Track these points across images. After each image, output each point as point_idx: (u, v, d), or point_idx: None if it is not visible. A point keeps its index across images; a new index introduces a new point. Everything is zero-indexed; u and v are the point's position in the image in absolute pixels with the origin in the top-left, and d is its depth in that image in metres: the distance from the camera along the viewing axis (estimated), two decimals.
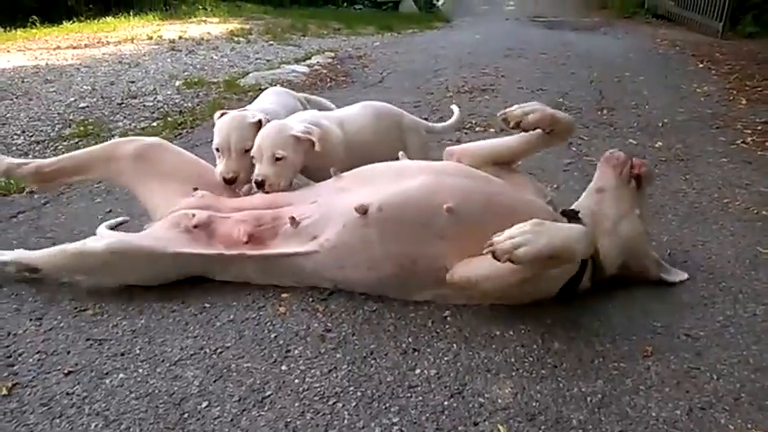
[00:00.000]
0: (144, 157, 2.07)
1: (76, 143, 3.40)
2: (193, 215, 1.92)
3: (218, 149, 2.09)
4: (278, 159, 1.97)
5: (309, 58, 6.10)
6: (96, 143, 3.31)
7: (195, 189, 2.02)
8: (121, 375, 1.54)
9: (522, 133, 1.93)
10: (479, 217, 1.74)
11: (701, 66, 5.79)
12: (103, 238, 1.96)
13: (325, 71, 5.50)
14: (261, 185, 1.98)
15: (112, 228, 2.23)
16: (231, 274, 1.91)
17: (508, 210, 1.75)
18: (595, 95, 4.63)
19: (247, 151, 2.03)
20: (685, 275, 1.99)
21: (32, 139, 3.51)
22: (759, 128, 3.76)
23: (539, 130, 1.88)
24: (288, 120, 2.13)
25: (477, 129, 3.73)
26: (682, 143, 3.48)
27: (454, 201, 1.73)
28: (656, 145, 3.46)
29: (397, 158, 2.11)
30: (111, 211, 2.48)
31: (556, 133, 1.90)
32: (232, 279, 1.91)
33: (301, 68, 5.55)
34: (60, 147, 3.36)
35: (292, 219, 1.85)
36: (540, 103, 1.90)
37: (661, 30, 8.47)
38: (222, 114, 2.16)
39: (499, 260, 1.56)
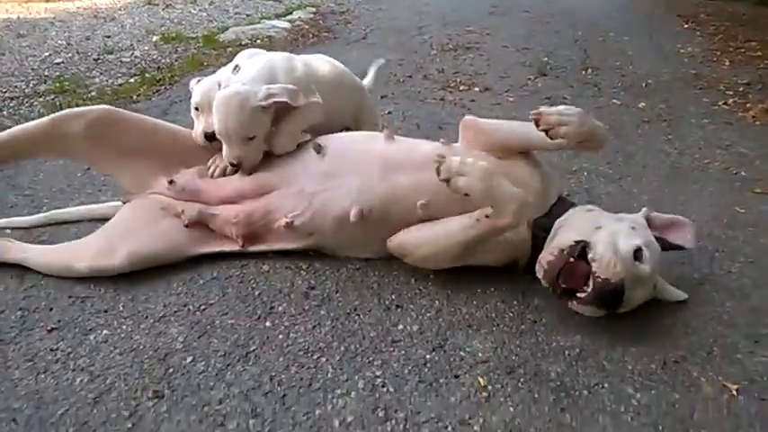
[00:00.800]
0: (97, 134, 1.85)
1: (53, 99, 3.32)
2: (182, 211, 1.84)
3: (197, 109, 1.96)
4: (250, 139, 1.80)
5: (290, 14, 5.97)
6: (72, 100, 3.26)
7: (171, 182, 1.89)
8: (105, 332, 1.54)
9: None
10: (446, 210, 1.71)
11: (685, 26, 5.77)
12: (113, 252, 1.75)
13: (306, 27, 5.39)
14: (237, 166, 1.85)
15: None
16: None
17: None
18: (580, 55, 4.61)
19: (251, 138, 1.81)
20: None
21: (6, 95, 3.42)
22: (741, 89, 3.79)
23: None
24: (245, 84, 1.81)
25: (461, 87, 3.71)
26: (665, 103, 3.50)
27: (428, 197, 1.71)
28: (640, 105, 3.47)
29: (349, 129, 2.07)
30: (89, 168, 2.44)
31: (585, 147, 1.77)
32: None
33: (282, 24, 5.43)
34: (36, 103, 3.28)
35: (288, 224, 1.80)
36: (580, 111, 1.69)
37: None
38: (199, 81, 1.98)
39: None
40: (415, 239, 1.74)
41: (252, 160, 1.84)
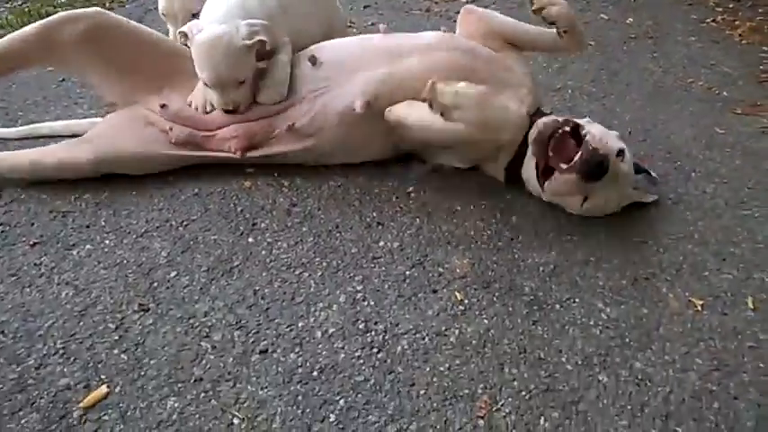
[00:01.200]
0: (89, 39, 1.77)
1: (21, 5, 3.17)
2: (170, 128, 1.79)
3: (164, 15, 1.93)
4: (241, 83, 1.74)
5: None
6: (41, 6, 3.11)
7: (163, 106, 1.81)
8: (88, 246, 1.56)
9: (543, 29, 1.86)
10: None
11: None
12: (86, 144, 1.75)
13: None
14: (234, 112, 1.78)
15: None
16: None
17: (490, 76, 1.78)
18: None
19: (242, 82, 1.75)
20: None
21: None
22: (731, 6, 3.72)
23: (552, 30, 1.82)
24: (225, 22, 1.73)
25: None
26: (653, 20, 3.43)
27: (438, 76, 1.68)
28: (628, 21, 3.40)
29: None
30: (64, 80, 2.37)
31: (565, 39, 1.82)
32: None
33: None
34: (2, 9, 3.13)
35: (290, 126, 1.78)
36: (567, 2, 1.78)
37: None
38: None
39: (432, 108, 1.61)
40: (417, 120, 1.72)
41: (246, 103, 1.78)
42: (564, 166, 1.58)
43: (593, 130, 1.61)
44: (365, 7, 3.32)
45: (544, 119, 1.70)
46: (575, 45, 1.86)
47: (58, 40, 1.76)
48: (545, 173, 1.65)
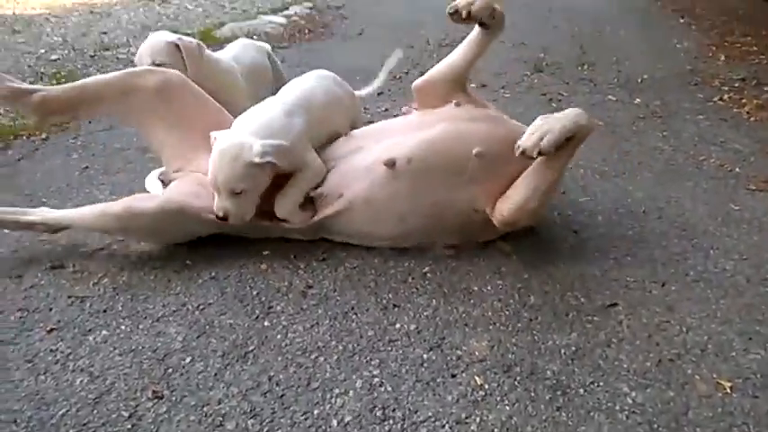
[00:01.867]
0: (166, 93, 1.94)
1: None
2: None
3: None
4: (237, 194, 1.74)
5: (287, 9, 5.95)
6: None
7: None
8: (104, 332, 1.55)
9: (465, 40, 2.06)
10: (505, 156, 1.77)
11: (681, 21, 5.78)
12: (154, 198, 1.86)
13: (303, 22, 5.38)
14: (224, 219, 1.77)
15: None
16: (266, 234, 1.91)
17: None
18: (576, 50, 4.61)
19: (239, 193, 1.75)
20: None
21: None
22: (736, 85, 3.80)
23: (477, 31, 2.00)
24: (245, 134, 1.76)
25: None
26: (660, 99, 3.51)
27: (482, 145, 1.81)
28: (635, 101, 3.48)
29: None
30: (87, 167, 2.45)
31: (493, 26, 1.97)
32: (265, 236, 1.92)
33: (279, 19, 5.42)
34: None
35: (319, 194, 1.87)
36: (543, 117, 1.77)
37: None
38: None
39: (531, 156, 1.67)
40: (525, 200, 1.77)
41: (239, 215, 1.77)
42: None
43: None
44: (379, 94, 3.43)
45: None
46: (501, 23, 1.98)
47: (136, 86, 1.94)
48: None
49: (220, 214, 1.77)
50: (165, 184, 1.97)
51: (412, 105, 2.15)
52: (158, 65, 2.10)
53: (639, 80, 3.88)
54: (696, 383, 1.45)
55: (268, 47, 2.86)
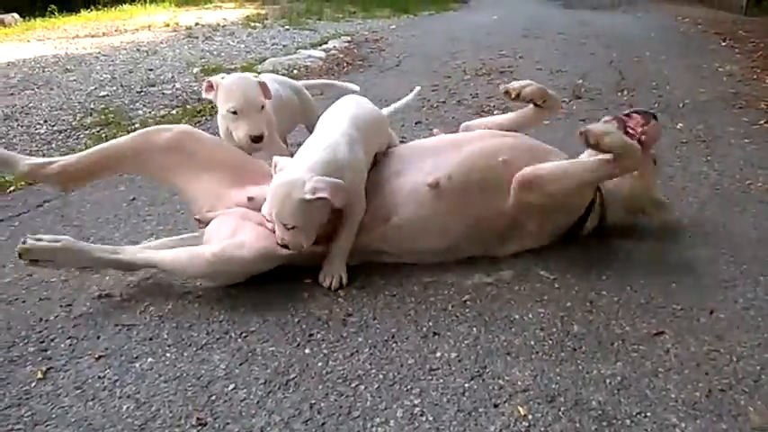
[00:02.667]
0: (179, 146, 2.00)
1: (98, 131, 3.45)
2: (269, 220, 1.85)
3: (234, 112, 2.13)
4: (290, 228, 1.78)
5: (326, 43, 6.10)
6: (117, 131, 3.38)
7: (250, 199, 1.94)
8: (150, 359, 1.59)
9: (520, 110, 2.28)
10: (527, 161, 1.95)
11: (723, 44, 5.70)
12: (245, 244, 1.81)
13: (341, 56, 5.50)
14: (285, 247, 1.81)
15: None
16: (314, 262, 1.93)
17: (545, 151, 2.08)
18: (615, 76, 4.58)
19: (262, 108, 2.13)
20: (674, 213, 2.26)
21: (54, 128, 3.57)
22: None
23: (531, 106, 2.22)
24: (302, 169, 1.78)
25: (495, 112, 3.72)
26: (703, 124, 3.44)
27: (507, 154, 1.98)
28: (678, 126, 3.42)
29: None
30: (134, 198, 2.53)
31: (546, 107, 2.22)
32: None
33: (318, 53, 5.55)
34: (82, 135, 3.41)
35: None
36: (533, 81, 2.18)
37: (683, 7, 8.33)
38: (210, 84, 2.19)
39: (589, 141, 1.85)
40: (550, 174, 1.92)
41: (298, 245, 1.80)
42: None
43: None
44: (416, 123, 3.47)
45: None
46: (554, 107, 2.27)
47: (151, 144, 2.00)
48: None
49: (279, 243, 1.81)
50: (201, 223, 1.99)
51: (442, 129, 2.40)
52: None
53: (681, 105, 3.83)
54: (750, 415, 1.39)
55: (295, 82, 2.85)
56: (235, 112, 2.13)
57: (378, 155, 2.08)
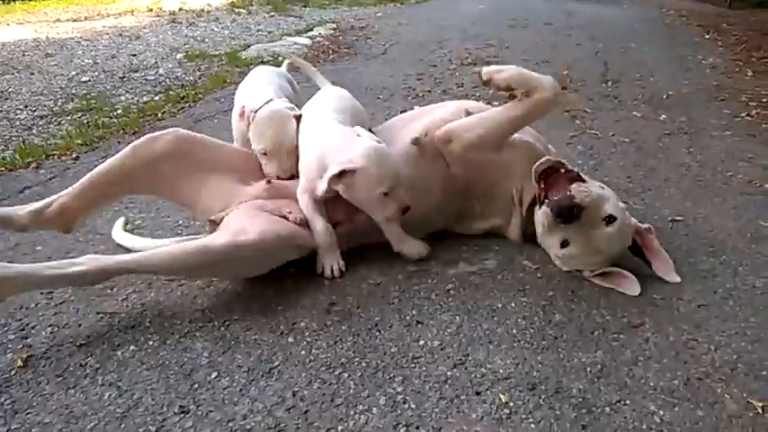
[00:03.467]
0: (177, 155, 1.89)
1: (80, 117, 3.41)
2: (290, 212, 1.87)
3: (264, 153, 2.00)
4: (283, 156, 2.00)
5: (311, 30, 6.06)
6: (99, 118, 3.34)
7: (269, 182, 1.96)
8: (132, 347, 1.58)
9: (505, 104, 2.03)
10: None
11: (707, 36, 5.74)
12: (251, 230, 1.75)
13: (327, 43, 5.46)
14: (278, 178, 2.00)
15: None
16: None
17: None
18: (600, 67, 4.61)
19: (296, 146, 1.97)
20: None
21: (35, 114, 3.52)
22: (764, 100, 3.75)
23: (516, 100, 1.96)
24: (327, 150, 1.82)
25: (481, 102, 3.71)
26: (686, 116, 3.48)
27: (472, 108, 2.08)
28: (661, 118, 3.45)
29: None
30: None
31: (532, 100, 1.92)
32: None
33: (303, 40, 5.51)
34: (63, 121, 3.36)
35: None
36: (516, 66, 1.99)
37: None
38: (243, 113, 2.05)
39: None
40: (464, 124, 1.98)
41: (289, 171, 2.02)
42: (545, 199, 1.78)
43: (590, 185, 1.81)
44: (401, 112, 3.46)
45: (551, 158, 1.89)
46: (543, 103, 1.93)
47: (148, 158, 1.86)
48: (539, 200, 1.84)
49: (279, 174, 2.01)
50: (216, 224, 1.88)
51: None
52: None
53: (665, 96, 3.86)
54: (726, 402, 1.42)
55: (283, 69, 2.77)
56: (265, 153, 2.02)
57: None
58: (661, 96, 3.86)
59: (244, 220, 1.80)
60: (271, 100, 2.08)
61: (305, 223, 1.87)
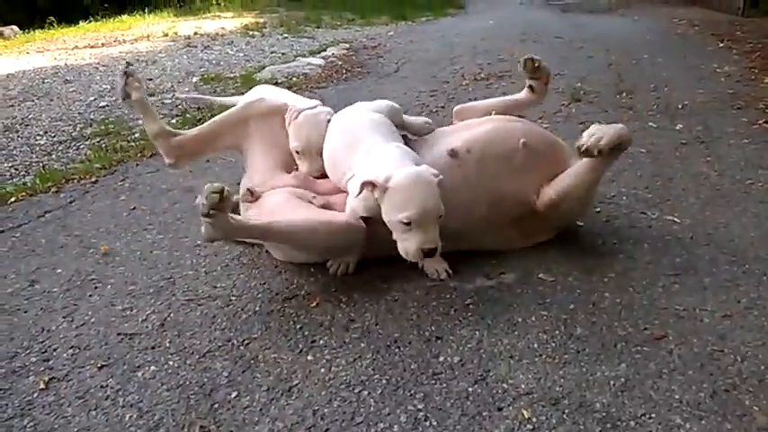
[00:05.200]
0: (270, 119, 2.19)
1: (98, 142, 3.46)
2: (313, 197, 2.03)
3: (298, 152, 2.14)
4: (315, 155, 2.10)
5: (324, 50, 6.11)
6: (117, 142, 3.39)
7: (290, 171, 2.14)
8: (153, 368, 1.58)
9: (510, 96, 2.49)
10: (545, 148, 2.11)
11: (721, 45, 5.69)
12: (337, 214, 1.94)
13: (340, 63, 5.51)
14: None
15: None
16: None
17: (552, 138, 2.22)
18: (614, 78, 4.58)
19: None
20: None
21: (55, 139, 3.58)
22: None
23: (523, 92, 2.45)
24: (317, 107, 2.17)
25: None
26: (702, 125, 3.44)
27: (526, 137, 2.08)
28: (677, 127, 3.42)
29: None
30: (135, 208, 2.53)
31: (536, 91, 2.41)
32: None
33: (317, 61, 5.56)
34: (82, 146, 3.42)
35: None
36: (596, 125, 1.97)
37: (679, 9, 8.33)
38: (296, 114, 2.15)
39: (591, 153, 1.89)
40: (561, 192, 2.01)
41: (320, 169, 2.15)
42: None
43: None
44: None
45: None
46: (542, 94, 2.38)
47: (251, 115, 2.21)
48: None
49: (311, 173, 2.14)
50: (252, 196, 2.06)
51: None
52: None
53: (680, 106, 3.83)
54: (755, 415, 1.38)
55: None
56: (298, 152, 2.15)
57: None
58: (676, 106, 3.83)
59: (291, 206, 1.96)
60: (317, 105, 2.21)
61: (328, 206, 2.00)
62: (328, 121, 2.11)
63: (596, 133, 1.91)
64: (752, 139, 3.18)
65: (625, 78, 4.58)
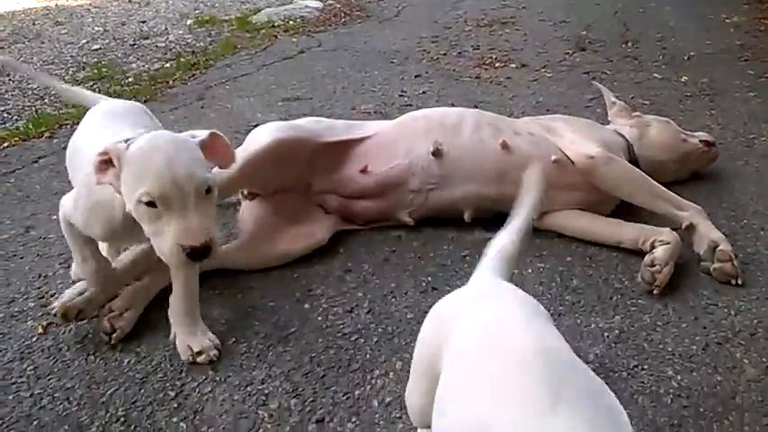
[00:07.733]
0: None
1: (92, 85, 3.39)
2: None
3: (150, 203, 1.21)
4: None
5: None
6: (111, 86, 3.33)
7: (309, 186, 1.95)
8: (151, 314, 1.59)
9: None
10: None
11: None
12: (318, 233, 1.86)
13: (339, 6, 5.36)
14: None
15: None
16: None
17: None
18: (619, 27, 4.48)
19: (209, 191, 1.25)
20: None
21: None
22: None
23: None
24: None
25: (497, 64, 3.64)
26: (708, 77, 3.38)
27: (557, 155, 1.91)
28: (682, 79, 3.36)
29: None
30: None
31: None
32: None
33: (314, 3, 5.41)
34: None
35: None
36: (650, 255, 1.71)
37: None
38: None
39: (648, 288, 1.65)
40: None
41: None
42: None
43: None
44: (416, 76, 3.41)
45: None
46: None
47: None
48: None
49: None
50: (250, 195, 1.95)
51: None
52: None
53: (686, 57, 3.75)
54: (745, 367, 1.41)
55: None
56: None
57: None
58: (682, 57, 3.75)
59: None
60: None
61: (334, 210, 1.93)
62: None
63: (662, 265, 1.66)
64: (757, 93, 3.13)
65: (631, 27, 4.47)
